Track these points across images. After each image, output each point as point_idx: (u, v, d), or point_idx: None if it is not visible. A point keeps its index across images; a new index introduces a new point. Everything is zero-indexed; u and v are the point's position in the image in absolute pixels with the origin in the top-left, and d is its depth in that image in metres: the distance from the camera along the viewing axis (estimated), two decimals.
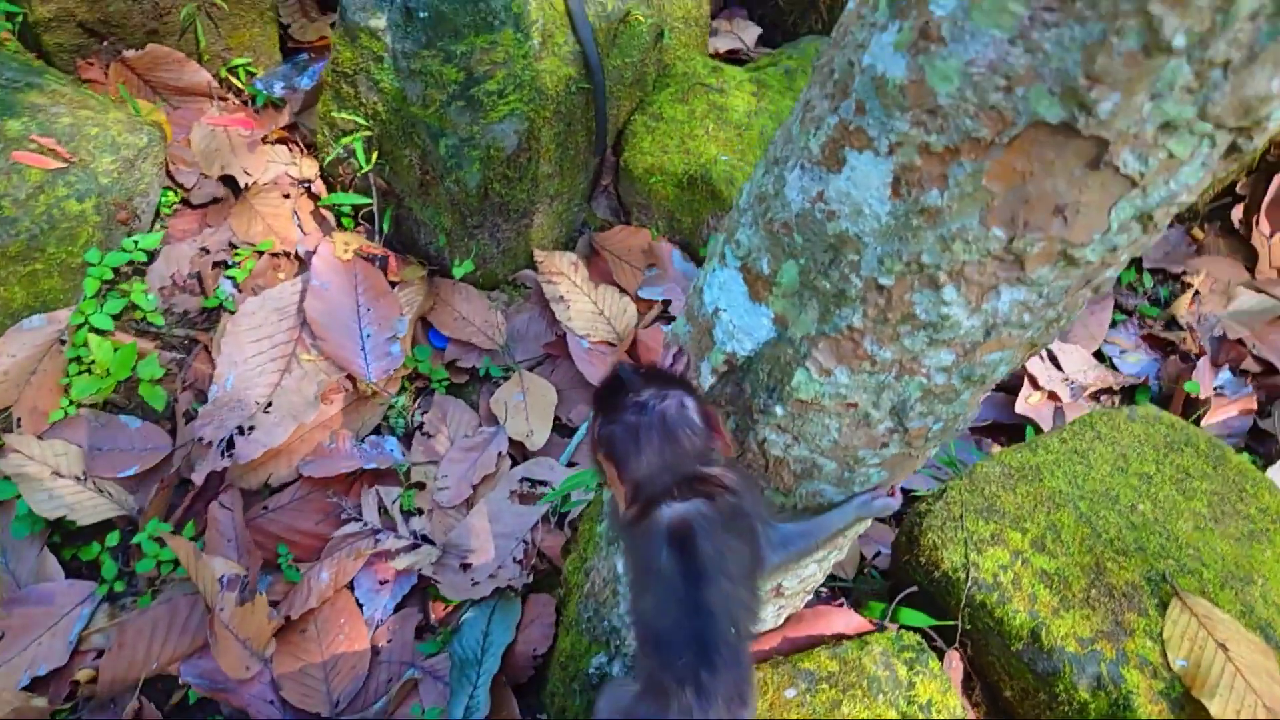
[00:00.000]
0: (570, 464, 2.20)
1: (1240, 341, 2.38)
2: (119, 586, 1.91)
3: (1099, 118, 0.74)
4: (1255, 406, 2.24)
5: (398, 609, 1.96)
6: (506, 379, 2.34)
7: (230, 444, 2.04)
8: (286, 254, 2.47)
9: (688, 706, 1.01)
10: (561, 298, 2.40)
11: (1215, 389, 2.29)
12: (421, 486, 2.15)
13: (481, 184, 2.25)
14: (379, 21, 2.09)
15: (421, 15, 2.05)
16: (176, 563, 1.92)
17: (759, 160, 1.07)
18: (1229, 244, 2.68)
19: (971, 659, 1.49)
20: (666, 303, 2.47)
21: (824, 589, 1.72)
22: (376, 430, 2.24)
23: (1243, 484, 1.54)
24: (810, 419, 1.07)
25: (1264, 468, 2.10)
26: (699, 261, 2.52)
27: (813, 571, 1.31)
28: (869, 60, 0.85)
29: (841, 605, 1.54)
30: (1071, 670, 1.31)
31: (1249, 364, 2.36)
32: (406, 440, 2.24)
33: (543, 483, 2.13)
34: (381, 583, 1.99)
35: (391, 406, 2.25)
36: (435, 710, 1.81)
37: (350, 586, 1.97)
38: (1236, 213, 2.68)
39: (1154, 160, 0.77)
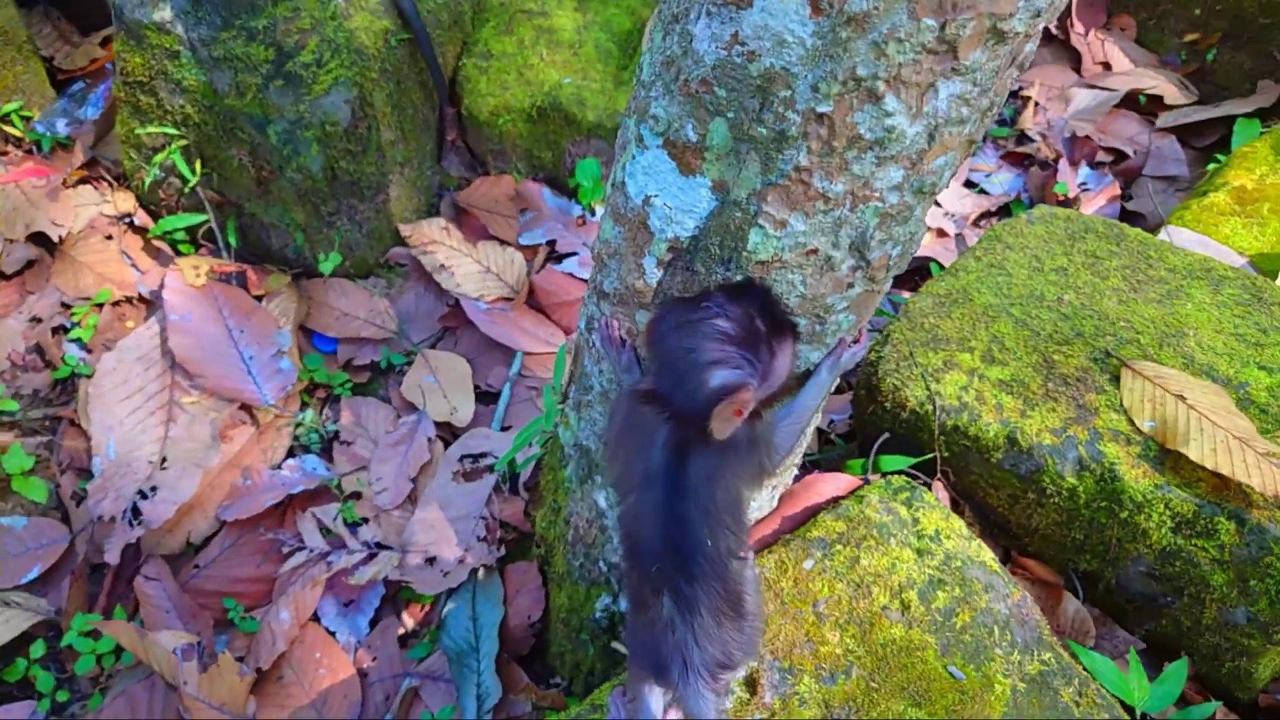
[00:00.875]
0: (505, 428, 2.11)
1: (1088, 137, 2.50)
2: (62, 696, 1.71)
3: None
4: (1119, 192, 2.37)
5: (373, 624, 1.85)
6: (411, 364, 2.22)
7: (136, 512, 1.85)
8: (129, 299, 2.23)
9: (669, 618, 0.98)
10: (442, 266, 2.28)
11: (1080, 185, 2.41)
12: (358, 496, 2.01)
13: (326, 165, 2.09)
14: (163, 12, 1.88)
15: None
16: (119, 652, 1.73)
17: (651, 26, 1.01)
18: (1053, 51, 2.80)
19: (954, 485, 1.52)
20: (551, 243, 2.38)
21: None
22: (291, 453, 2.08)
23: (1146, 252, 1.62)
24: (773, 279, 1.03)
25: None
26: (570, 194, 2.44)
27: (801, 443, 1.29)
28: None
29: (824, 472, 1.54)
30: (1053, 462, 1.35)
31: (1101, 156, 2.49)
32: (327, 454, 2.09)
33: (483, 454, 2.04)
34: (347, 604, 1.87)
35: (299, 424, 2.09)
36: (447, 710, 1.72)
37: (316, 618, 1.84)
38: None
39: None
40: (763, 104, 0.91)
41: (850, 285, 1.06)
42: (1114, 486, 1.31)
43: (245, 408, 2.07)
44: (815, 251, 1.01)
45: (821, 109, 0.88)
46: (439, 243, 2.32)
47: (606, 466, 1.24)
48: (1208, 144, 2.47)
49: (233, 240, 2.24)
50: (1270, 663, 1.36)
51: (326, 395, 2.18)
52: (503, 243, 2.37)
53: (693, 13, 0.92)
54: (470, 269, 2.29)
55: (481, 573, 1.83)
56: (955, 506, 1.54)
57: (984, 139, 2.64)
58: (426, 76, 2.28)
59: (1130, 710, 1.28)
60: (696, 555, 0.97)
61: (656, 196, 1.05)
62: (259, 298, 2.22)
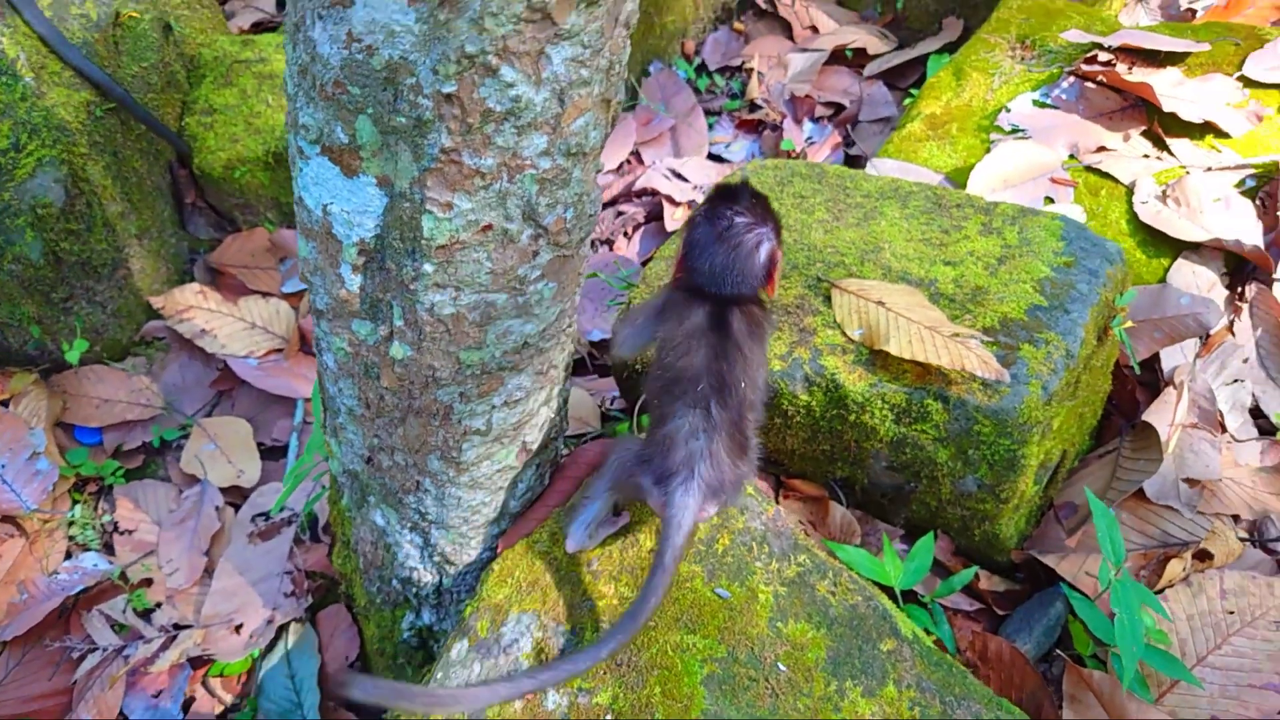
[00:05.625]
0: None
1: (808, 96, 2.71)
2: None
3: None
4: (840, 139, 2.58)
5: (186, 709, 1.76)
6: (188, 437, 2.13)
7: None
8: None
9: (695, 427, 1.13)
10: (203, 330, 2.21)
11: (806, 140, 2.60)
12: (149, 583, 1.92)
13: (47, 250, 1.98)
14: None
15: None
16: None
17: (285, 40, 1.03)
18: (767, 25, 3.01)
19: None
20: None
21: (573, 443, 1.77)
22: (69, 555, 1.96)
23: (844, 183, 1.78)
24: (459, 261, 1.07)
25: None
26: None
27: (545, 416, 1.34)
28: None
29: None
30: (785, 384, 1.47)
31: (821, 110, 2.69)
32: (109, 548, 1.98)
33: (279, 510, 1.99)
34: (156, 694, 1.77)
35: (71, 523, 1.97)
36: None
37: (124, 716, 1.74)
38: None
39: None
40: (395, 95, 0.95)
41: (536, 253, 1.11)
42: (839, 394, 1.44)
43: (9, 519, 1.93)
44: (490, 227, 1.05)
45: (447, 89, 0.93)
46: (195, 307, 2.24)
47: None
48: (910, 83, 2.72)
49: None
50: (1010, 522, 1.52)
51: (99, 488, 2.06)
52: (266, 295, 2.32)
53: (307, 18, 0.95)
54: (234, 328, 2.23)
55: (292, 626, 1.79)
56: None
57: (719, 113, 2.81)
58: (146, 142, 2.21)
59: (890, 590, 1.40)
60: (733, 388, 1.15)
61: (332, 204, 1.08)
62: (4, 403, 2.08)
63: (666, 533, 1.12)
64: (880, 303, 1.48)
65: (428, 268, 1.07)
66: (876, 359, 1.44)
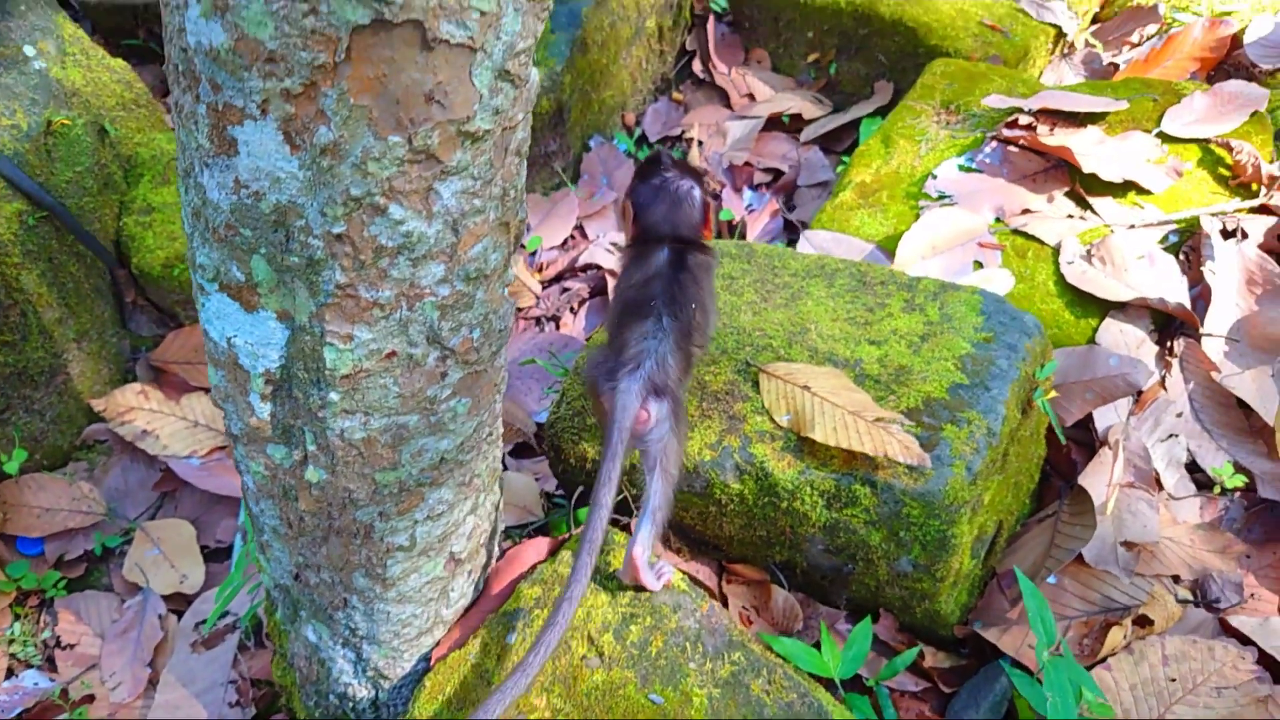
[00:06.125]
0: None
1: (747, 163, 2.75)
2: None
3: (398, 3, 0.80)
4: (778, 206, 2.62)
5: None
6: (131, 543, 2.09)
7: None
8: None
9: (647, 331, 1.31)
10: (145, 432, 2.18)
11: (746, 208, 2.64)
12: (92, 699, 1.87)
13: None
14: None
15: None
16: None
17: (179, 183, 1.04)
18: (705, 94, 3.07)
19: None
20: None
21: (519, 535, 1.76)
22: (10, 674, 1.91)
23: (773, 263, 1.80)
24: (366, 388, 1.07)
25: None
26: None
27: (472, 525, 1.34)
28: (193, 39, 0.85)
29: (532, 538, 1.59)
30: (716, 474, 1.47)
31: (761, 177, 2.74)
32: (51, 663, 1.93)
33: (223, 615, 1.95)
34: None
35: (12, 641, 1.93)
36: None
37: None
38: (696, 65, 3.07)
39: (472, 22, 0.86)
40: (286, 236, 0.96)
41: (445, 374, 1.11)
42: (769, 482, 1.44)
43: None
44: (394, 354, 1.06)
45: (336, 230, 0.94)
46: (136, 408, 2.22)
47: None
48: (845, 147, 2.77)
49: None
50: (949, 598, 1.52)
51: (41, 600, 2.02)
52: (208, 391, 2.30)
53: (195, 166, 0.96)
54: (175, 427, 2.21)
55: None
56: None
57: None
58: (81, 247, 2.20)
59: (829, 681, 1.39)
60: (684, 305, 1.34)
61: (235, 336, 1.08)
62: None
63: (612, 417, 1.26)
64: (806, 387, 1.49)
65: (334, 396, 1.07)
66: (804, 445, 1.45)
